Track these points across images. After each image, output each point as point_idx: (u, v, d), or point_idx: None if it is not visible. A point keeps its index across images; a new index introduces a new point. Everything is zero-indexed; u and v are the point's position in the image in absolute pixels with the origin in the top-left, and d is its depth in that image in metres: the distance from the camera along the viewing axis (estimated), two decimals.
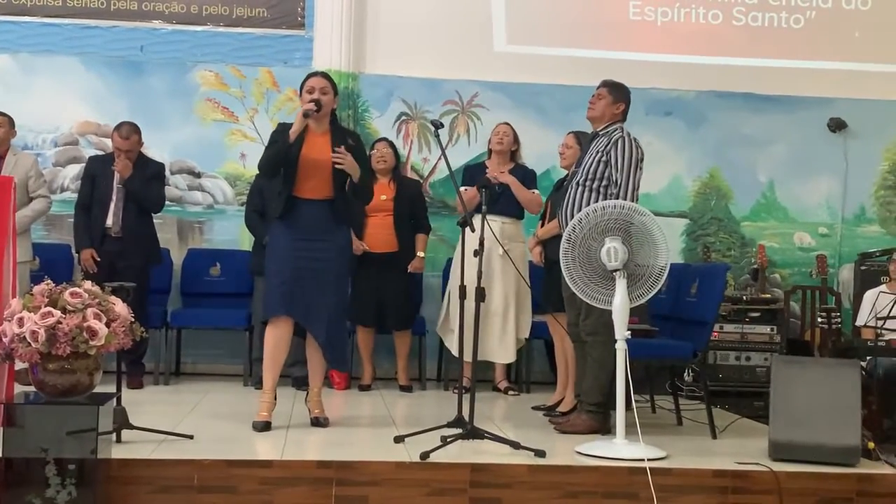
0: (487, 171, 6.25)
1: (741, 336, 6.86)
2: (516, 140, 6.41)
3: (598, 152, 4.94)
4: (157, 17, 7.22)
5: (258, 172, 5.49)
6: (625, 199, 4.72)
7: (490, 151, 6.44)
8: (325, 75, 4.96)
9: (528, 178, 6.32)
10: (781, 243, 7.62)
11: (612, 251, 4.43)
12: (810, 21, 7.70)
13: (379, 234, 6.42)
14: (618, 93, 5.03)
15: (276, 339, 4.81)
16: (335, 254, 4.84)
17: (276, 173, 4.89)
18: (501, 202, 6.18)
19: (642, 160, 4.92)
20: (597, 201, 4.75)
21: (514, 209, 6.28)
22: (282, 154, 4.77)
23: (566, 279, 4.58)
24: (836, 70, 7.65)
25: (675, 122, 7.55)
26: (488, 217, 6.01)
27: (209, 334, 7.00)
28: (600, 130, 5.03)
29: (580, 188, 4.95)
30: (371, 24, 7.34)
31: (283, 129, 4.84)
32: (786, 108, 7.60)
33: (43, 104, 7.03)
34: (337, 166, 4.71)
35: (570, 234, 4.55)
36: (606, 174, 4.88)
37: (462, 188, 6.09)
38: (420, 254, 6.51)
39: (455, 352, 5.80)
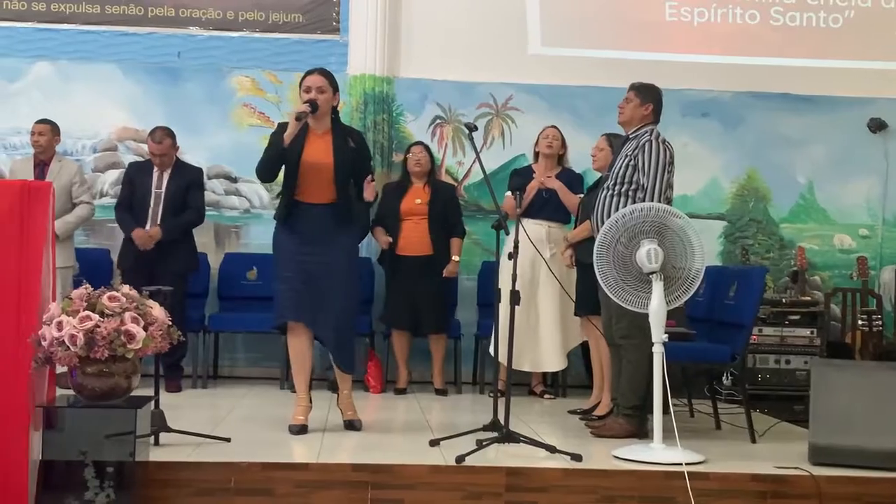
0: (534, 175, 6.24)
1: (781, 339, 6.79)
2: (564, 144, 6.38)
3: (626, 156, 4.92)
4: (194, 24, 7.28)
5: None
6: (651, 201, 4.68)
7: (537, 155, 6.40)
8: (322, 72, 4.77)
9: (574, 181, 6.28)
10: (821, 245, 7.52)
11: (652, 253, 4.39)
12: (849, 20, 7.60)
13: (414, 237, 6.42)
14: (645, 94, 5.00)
15: (297, 345, 4.81)
16: (341, 257, 4.73)
17: (273, 177, 4.82)
18: (549, 207, 6.18)
19: (672, 162, 4.88)
20: (626, 206, 4.72)
21: (560, 213, 6.25)
22: (276, 157, 4.67)
23: (600, 283, 4.55)
24: (876, 70, 7.54)
25: (711, 123, 7.48)
26: (535, 221, 6.11)
27: (246, 338, 7.06)
28: (630, 134, 5.02)
29: (609, 192, 4.94)
30: (405, 27, 7.34)
31: (281, 129, 4.71)
32: (824, 109, 7.50)
33: (82, 111, 7.11)
34: None
35: (604, 238, 4.52)
36: (635, 178, 4.86)
37: (507, 193, 6.10)
38: (455, 258, 6.49)
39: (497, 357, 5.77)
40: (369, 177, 4.77)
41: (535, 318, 6.18)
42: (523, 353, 6.08)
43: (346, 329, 4.83)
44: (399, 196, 6.49)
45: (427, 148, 6.68)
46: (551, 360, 6.27)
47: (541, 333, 6.22)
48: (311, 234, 4.70)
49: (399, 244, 6.44)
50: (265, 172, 4.80)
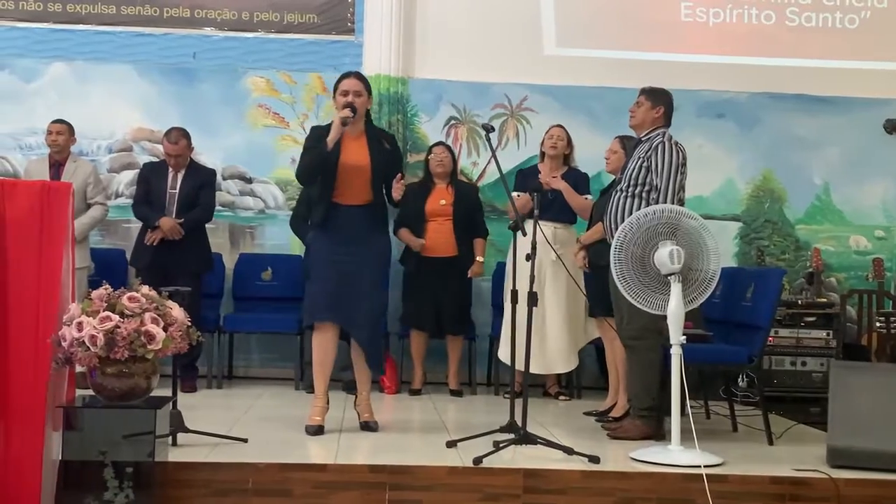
0: (540, 175, 6.22)
1: (796, 341, 6.77)
2: (570, 143, 6.37)
3: (639, 158, 4.95)
4: (209, 25, 7.29)
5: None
6: (665, 203, 4.68)
7: (543, 155, 6.39)
8: (358, 76, 4.89)
9: (580, 182, 6.26)
10: (837, 246, 7.49)
11: (674, 253, 4.38)
12: (865, 21, 7.57)
13: (438, 238, 6.43)
14: (656, 97, 5.03)
15: (322, 344, 4.82)
16: (374, 258, 4.82)
17: (315, 181, 4.88)
18: (554, 208, 6.15)
19: (685, 164, 4.90)
20: (640, 207, 4.73)
21: (566, 214, 6.24)
22: (320, 161, 4.73)
23: (619, 286, 4.53)
24: (892, 70, 7.51)
25: (727, 124, 7.46)
26: (541, 222, 6.04)
27: (261, 338, 7.07)
28: (643, 136, 5.04)
29: (622, 194, 4.95)
30: (420, 28, 7.34)
31: (316, 134, 4.80)
32: (840, 110, 7.47)
33: (98, 111, 7.13)
34: None
35: (621, 238, 4.51)
36: (648, 179, 4.87)
37: (515, 193, 6.08)
38: (479, 258, 6.50)
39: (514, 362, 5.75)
40: (399, 175, 4.80)
41: (542, 319, 6.15)
42: (532, 356, 6.04)
43: (378, 330, 4.95)
44: (423, 197, 6.49)
45: (449, 148, 6.70)
46: (561, 360, 6.25)
47: (549, 335, 6.20)
48: (347, 235, 4.76)
49: (424, 245, 6.43)
50: (307, 176, 4.90)
